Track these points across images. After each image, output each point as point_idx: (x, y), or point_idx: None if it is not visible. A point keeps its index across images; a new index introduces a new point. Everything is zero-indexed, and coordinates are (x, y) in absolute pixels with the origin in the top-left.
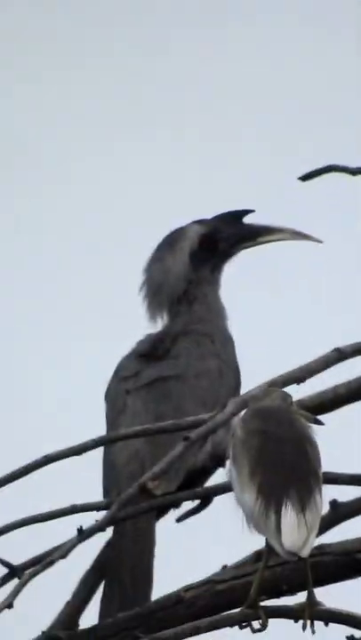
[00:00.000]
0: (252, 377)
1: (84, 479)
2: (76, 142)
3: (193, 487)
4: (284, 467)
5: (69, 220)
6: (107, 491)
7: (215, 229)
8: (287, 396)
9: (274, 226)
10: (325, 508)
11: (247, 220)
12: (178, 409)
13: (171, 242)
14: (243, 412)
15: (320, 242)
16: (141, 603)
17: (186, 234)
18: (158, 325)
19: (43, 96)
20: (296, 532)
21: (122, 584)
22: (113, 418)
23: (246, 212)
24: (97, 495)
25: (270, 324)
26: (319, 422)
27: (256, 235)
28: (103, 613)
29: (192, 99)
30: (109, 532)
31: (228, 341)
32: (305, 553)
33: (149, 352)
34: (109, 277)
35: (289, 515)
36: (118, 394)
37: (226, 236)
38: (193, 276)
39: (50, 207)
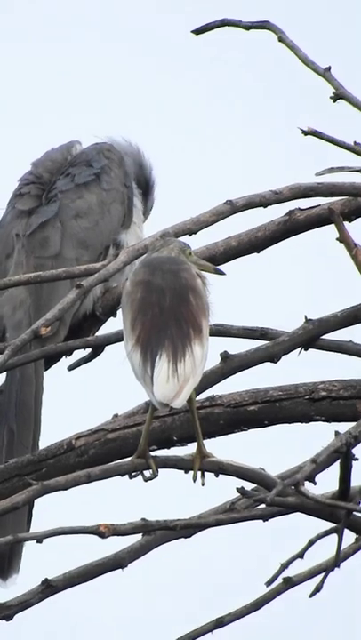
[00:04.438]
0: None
1: None
2: None
3: (84, 336)
4: (163, 317)
5: None
6: None
7: None
8: (185, 246)
9: None
10: (215, 360)
11: None
12: (57, 257)
13: None
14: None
15: None
16: (29, 449)
17: None
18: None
19: None
20: (168, 383)
21: (10, 430)
22: (1, 259)
23: None
24: None
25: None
26: (220, 272)
27: None
28: None
29: None
30: (2, 377)
31: (112, 162)
32: (177, 404)
33: (45, 182)
34: None
35: (161, 365)
36: (10, 236)
37: None
38: None
39: None
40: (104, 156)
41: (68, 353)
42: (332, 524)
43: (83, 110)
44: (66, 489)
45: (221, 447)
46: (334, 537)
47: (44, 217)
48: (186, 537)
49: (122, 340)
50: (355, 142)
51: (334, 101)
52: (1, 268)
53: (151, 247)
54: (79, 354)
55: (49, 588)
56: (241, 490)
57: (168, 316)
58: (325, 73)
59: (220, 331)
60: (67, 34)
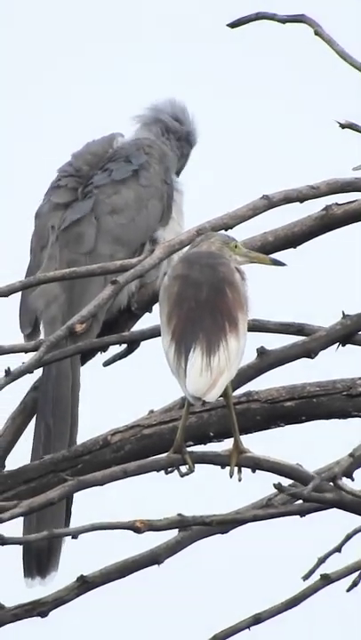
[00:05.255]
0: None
1: (10, 321)
2: None
3: (119, 331)
4: (198, 310)
5: None
6: (26, 335)
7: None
8: (229, 239)
9: None
10: (252, 356)
11: None
12: (91, 253)
13: None
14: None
15: None
16: (66, 445)
17: None
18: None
19: None
20: (201, 377)
21: (47, 426)
22: (36, 251)
23: None
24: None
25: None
26: (279, 263)
27: None
28: (34, 455)
29: None
30: (37, 373)
31: (152, 158)
32: (210, 398)
33: (83, 175)
34: None
35: (195, 359)
36: (46, 228)
37: None
38: None
39: None
40: (144, 152)
41: (104, 349)
42: None
43: (118, 97)
44: (102, 484)
45: (258, 443)
46: None
47: (79, 213)
48: (222, 533)
49: (157, 335)
50: None
51: None
52: (36, 259)
53: (193, 243)
54: (114, 349)
55: (84, 585)
56: (278, 486)
57: (203, 309)
58: None
59: (257, 326)
60: (111, 20)
